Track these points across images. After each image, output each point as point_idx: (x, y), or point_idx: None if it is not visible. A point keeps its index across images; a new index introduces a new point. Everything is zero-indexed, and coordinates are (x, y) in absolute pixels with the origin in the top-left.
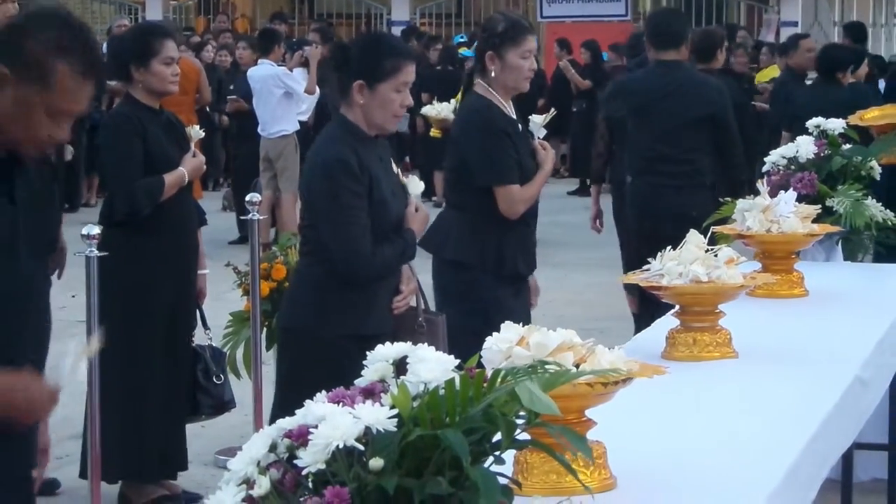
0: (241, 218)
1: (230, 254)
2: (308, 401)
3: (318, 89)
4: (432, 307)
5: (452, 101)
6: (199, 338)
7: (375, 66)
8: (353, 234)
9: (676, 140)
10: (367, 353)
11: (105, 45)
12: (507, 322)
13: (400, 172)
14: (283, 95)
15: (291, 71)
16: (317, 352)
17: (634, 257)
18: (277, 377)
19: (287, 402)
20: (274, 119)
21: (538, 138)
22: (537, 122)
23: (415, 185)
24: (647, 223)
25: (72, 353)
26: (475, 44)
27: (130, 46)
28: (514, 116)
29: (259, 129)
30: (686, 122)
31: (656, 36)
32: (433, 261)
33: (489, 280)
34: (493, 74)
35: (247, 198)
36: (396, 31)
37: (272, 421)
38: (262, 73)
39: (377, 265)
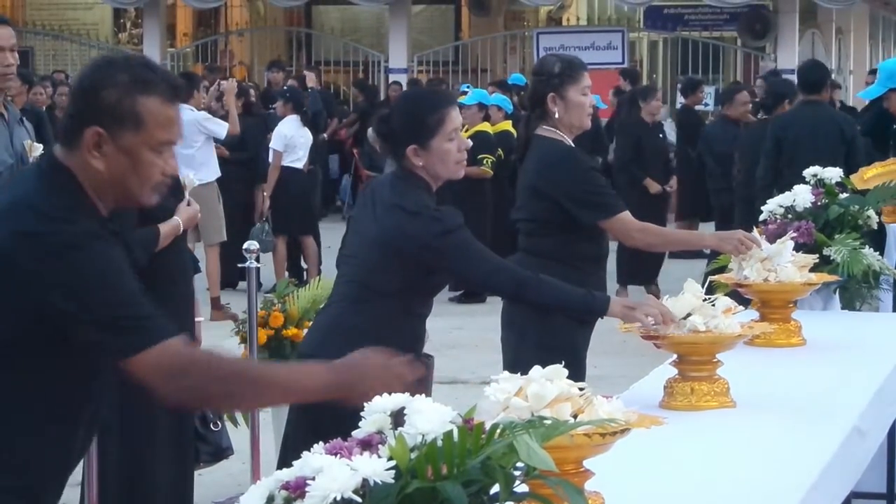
0: (239, 266)
1: (222, 299)
2: (306, 452)
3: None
4: (497, 349)
5: None
6: None
7: (421, 126)
8: (492, 257)
9: (828, 159)
10: None
11: None
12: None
13: None
14: (204, 141)
15: (210, 106)
16: None
17: None
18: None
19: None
20: (194, 166)
21: None
22: None
23: None
24: None
25: None
26: (526, 89)
27: None
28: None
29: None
30: (832, 145)
31: (804, 84)
32: (505, 304)
33: (570, 323)
34: (556, 115)
35: (244, 245)
36: (397, 78)
37: (283, 446)
38: (183, 118)
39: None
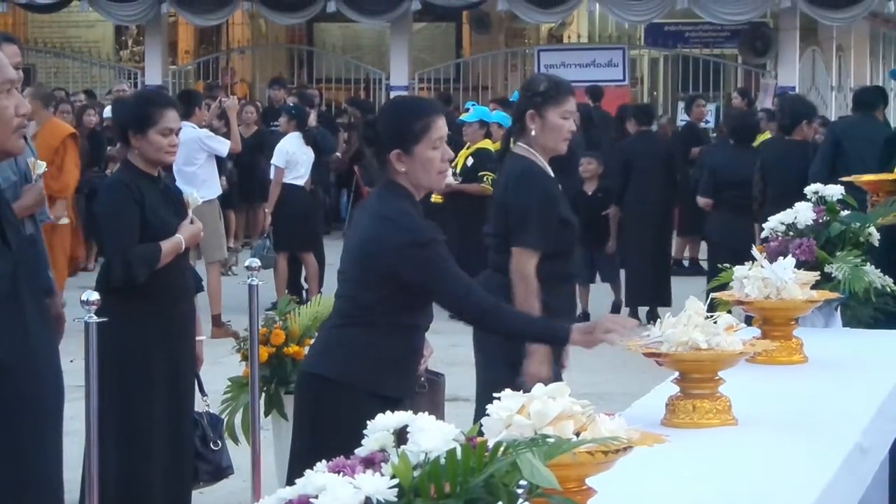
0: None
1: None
2: (308, 470)
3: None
4: (472, 369)
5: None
6: (197, 404)
7: (406, 132)
8: (462, 279)
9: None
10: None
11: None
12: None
13: None
14: (206, 159)
15: (211, 123)
16: (350, 405)
17: None
18: (305, 424)
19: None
20: (196, 184)
21: None
22: None
23: None
24: None
25: None
26: (515, 104)
27: (130, 113)
28: (553, 176)
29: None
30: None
31: (859, 103)
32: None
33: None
34: (532, 133)
35: (245, 262)
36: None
37: (291, 463)
38: (184, 136)
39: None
